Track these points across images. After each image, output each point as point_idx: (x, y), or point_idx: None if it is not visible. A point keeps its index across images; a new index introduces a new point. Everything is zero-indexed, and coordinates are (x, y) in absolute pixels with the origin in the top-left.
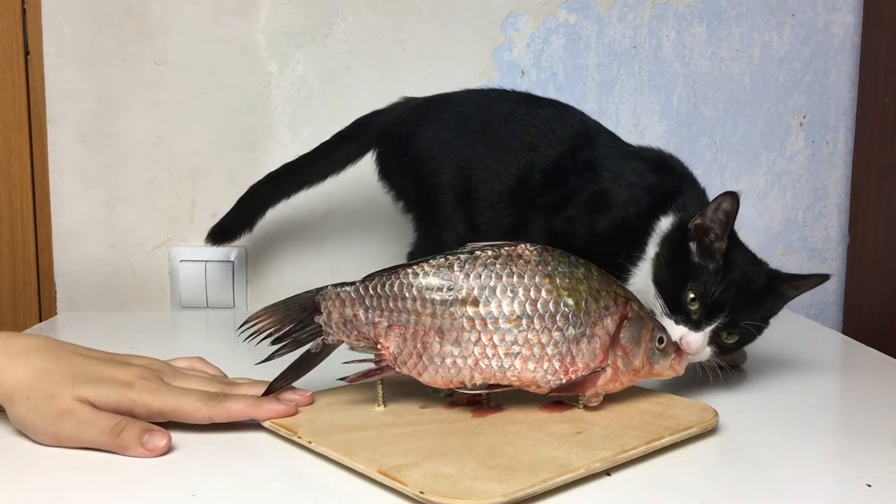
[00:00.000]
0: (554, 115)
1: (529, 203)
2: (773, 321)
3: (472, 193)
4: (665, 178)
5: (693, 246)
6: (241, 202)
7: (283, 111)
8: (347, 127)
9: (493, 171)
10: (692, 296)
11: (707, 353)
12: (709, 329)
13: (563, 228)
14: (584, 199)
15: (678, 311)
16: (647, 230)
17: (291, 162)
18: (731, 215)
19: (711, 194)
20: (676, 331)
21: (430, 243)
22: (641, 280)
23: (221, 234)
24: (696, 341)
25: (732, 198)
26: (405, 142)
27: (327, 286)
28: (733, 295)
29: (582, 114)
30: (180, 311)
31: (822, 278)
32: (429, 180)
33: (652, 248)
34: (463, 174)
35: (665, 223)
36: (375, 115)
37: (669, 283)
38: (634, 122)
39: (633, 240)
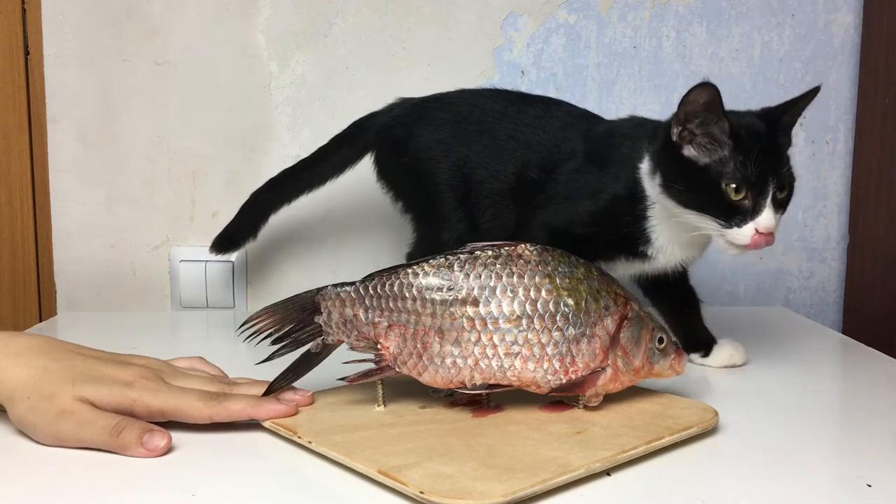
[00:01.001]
0: (543, 112)
1: (529, 200)
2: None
3: (472, 193)
4: (637, 133)
5: (693, 151)
6: (243, 210)
7: (283, 111)
8: (344, 130)
9: (491, 170)
10: (734, 186)
11: (777, 219)
12: (768, 201)
13: (561, 221)
14: (571, 186)
15: (734, 213)
16: (636, 183)
17: (290, 167)
18: (715, 101)
19: None
20: (747, 230)
21: (430, 243)
22: (660, 218)
23: (225, 243)
24: (768, 220)
25: (706, 87)
26: (403, 142)
27: (327, 286)
28: (762, 158)
29: (569, 105)
30: (180, 311)
31: (814, 92)
32: (427, 180)
33: (651, 190)
34: (461, 173)
35: (645, 164)
36: (372, 116)
37: (703, 197)
38: None
39: (630, 198)
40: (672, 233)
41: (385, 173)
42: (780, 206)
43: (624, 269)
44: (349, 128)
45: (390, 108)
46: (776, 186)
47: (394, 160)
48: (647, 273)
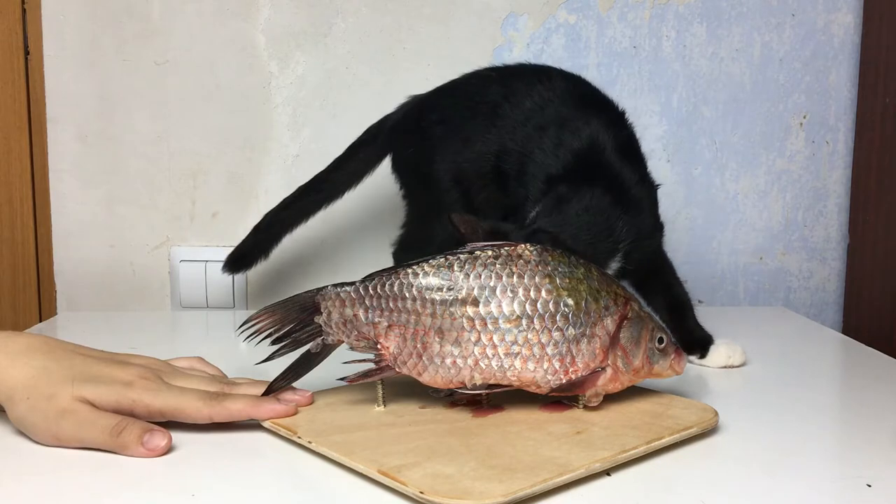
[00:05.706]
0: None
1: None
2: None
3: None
4: None
5: None
6: (258, 229)
7: (283, 111)
8: (360, 136)
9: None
10: None
11: None
12: None
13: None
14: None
15: None
16: None
17: (305, 184)
18: None
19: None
20: None
21: (418, 233)
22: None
23: (238, 262)
24: None
25: None
26: (413, 132)
27: (327, 286)
28: None
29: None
30: (180, 311)
31: None
32: (429, 167)
33: None
34: (467, 156)
35: None
36: (385, 118)
37: None
38: (634, 122)
39: None
40: None
41: (398, 165)
42: None
43: None
44: (364, 133)
45: (401, 107)
46: None
47: (405, 151)
48: None
